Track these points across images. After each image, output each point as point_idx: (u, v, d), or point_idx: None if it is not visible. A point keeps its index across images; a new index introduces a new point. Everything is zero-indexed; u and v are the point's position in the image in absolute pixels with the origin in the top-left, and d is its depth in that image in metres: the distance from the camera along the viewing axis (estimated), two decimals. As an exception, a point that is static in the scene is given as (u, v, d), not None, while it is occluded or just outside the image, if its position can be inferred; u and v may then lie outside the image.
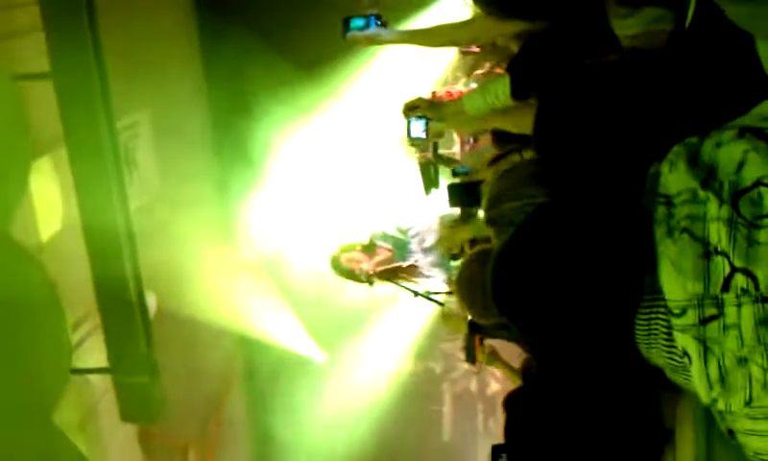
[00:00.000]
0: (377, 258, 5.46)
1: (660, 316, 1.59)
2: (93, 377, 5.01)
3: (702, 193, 1.49)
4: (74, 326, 4.76)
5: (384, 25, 3.30)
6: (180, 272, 6.81)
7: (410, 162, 5.67)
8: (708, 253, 1.46)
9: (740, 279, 1.43)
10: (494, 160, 3.64)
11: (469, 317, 4.43)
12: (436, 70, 6.49)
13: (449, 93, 4.69)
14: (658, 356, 1.66)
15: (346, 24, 3.31)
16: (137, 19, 6.01)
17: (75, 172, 4.13)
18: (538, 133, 2.14)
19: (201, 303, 7.19)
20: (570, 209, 1.71)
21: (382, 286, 5.49)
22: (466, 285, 3.14)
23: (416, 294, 5.32)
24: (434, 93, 4.96)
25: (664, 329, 1.60)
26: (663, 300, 1.54)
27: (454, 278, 3.55)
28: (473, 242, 4.41)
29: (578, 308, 1.62)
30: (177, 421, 6.74)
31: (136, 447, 6.73)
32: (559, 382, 2.44)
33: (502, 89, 2.83)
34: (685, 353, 1.51)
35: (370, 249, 5.51)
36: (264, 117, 7.24)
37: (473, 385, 7.94)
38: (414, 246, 5.54)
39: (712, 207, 1.46)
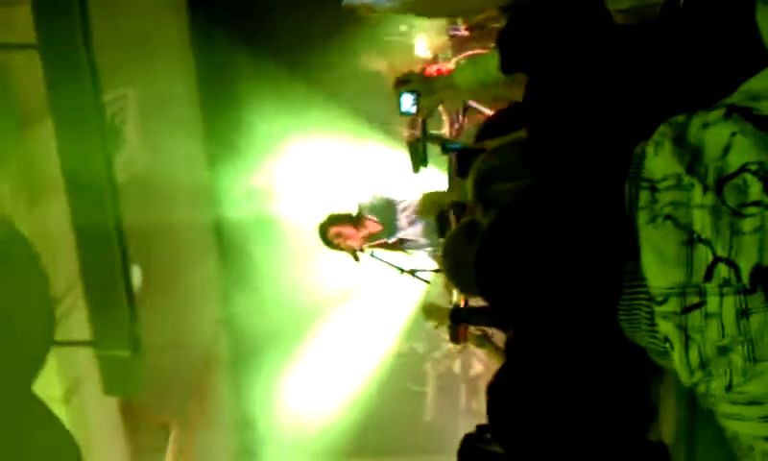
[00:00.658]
0: (364, 232, 5.45)
1: (643, 301, 1.60)
2: (77, 351, 4.98)
3: (686, 179, 1.48)
4: (58, 298, 4.73)
5: None
6: (166, 248, 6.79)
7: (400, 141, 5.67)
8: (691, 240, 1.46)
9: (723, 269, 1.43)
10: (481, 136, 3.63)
11: (451, 307, 4.47)
12: (425, 52, 6.47)
13: (439, 70, 4.68)
14: (641, 339, 1.66)
15: None
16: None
17: (60, 144, 4.10)
18: (528, 107, 2.14)
19: (185, 280, 7.18)
20: (555, 195, 1.71)
21: (368, 263, 5.48)
22: (452, 262, 3.13)
23: (402, 271, 5.32)
24: (424, 69, 4.95)
25: (646, 315, 1.60)
26: (645, 286, 1.55)
27: (440, 253, 3.54)
28: (460, 209, 4.39)
29: (560, 293, 1.62)
30: (160, 398, 6.74)
31: (119, 421, 6.72)
32: (542, 361, 2.44)
33: (492, 63, 2.82)
34: (667, 339, 1.52)
35: (358, 220, 5.49)
36: (253, 97, 7.21)
37: (456, 366, 7.95)
38: (401, 221, 5.53)
39: (697, 194, 1.46)
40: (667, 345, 1.52)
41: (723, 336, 1.42)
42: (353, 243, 5.35)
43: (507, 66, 2.74)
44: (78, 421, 5.47)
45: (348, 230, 5.41)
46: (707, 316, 1.44)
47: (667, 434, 2.33)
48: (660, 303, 1.51)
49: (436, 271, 5.12)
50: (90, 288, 4.32)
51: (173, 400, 7.34)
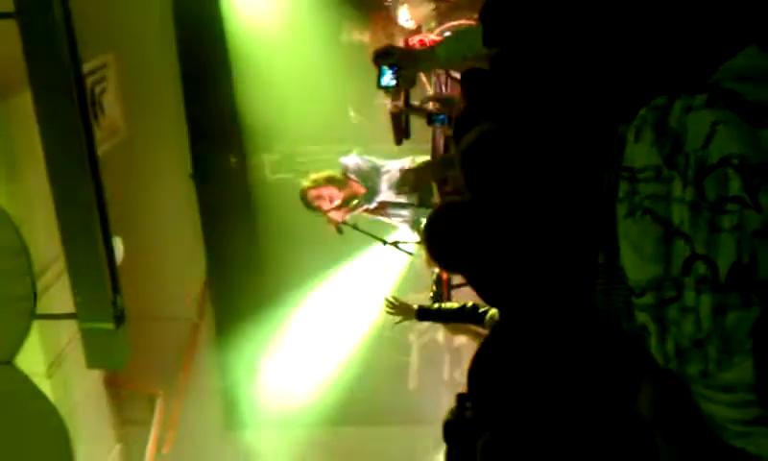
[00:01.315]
0: (347, 191, 5.35)
1: (621, 290, 1.61)
2: (60, 323, 4.97)
3: (666, 171, 1.48)
4: (40, 271, 4.71)
5: None
6: (147, 217, 6.76)
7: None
8: (669, 234, 1.47)
9: (701, 267, 1.43)
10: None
11: (417, 305, 4.45)
12: (408, 22, 6.41)
13: (422, 42, 4.63)
14: (620, 321, 1.67)
15: None
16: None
17: (40, 114, 4.06)
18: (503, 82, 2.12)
19: (168, 249, 7.16)
20: (532, 178, 1.70)
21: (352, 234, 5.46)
22: (433, 242, 3.13)
23: (385, 243, 5.30)
24: (407, 41, 4.90)
25: (623, 302, 1.61)
26: (623, 275, 1.55)
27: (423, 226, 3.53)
28: (443, 181, 4.36)
29: (535, 279, 1.63)
30: (144, 369, 6.74)
31: (103, 394, 6.73)
32: (523, 334, 2.45)
33: (475, 38, 2.80)
34: (644, 327, 1.53)
35: (341, 181, 5.43)
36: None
37: (440, 336, 7.98)
38: (383, 184, 5.47)
39: (677, 188, 1.46)
40: (644, 332, 1.54)
41: (699, 331, 1.43)
42: (336, 214, 5.30)
43: (490, 40, 2.72)
44: (62, 394, 5.48)
45: (330, 190, 5.34)
46: (683, 310, 1.45)
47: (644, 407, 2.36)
48: (639, 296, 1.52)
49: (418, 243, 5.11)
50: (72, 260, 4.31)
51: (159, 370, 7.35)
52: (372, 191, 5.47)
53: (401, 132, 4.71)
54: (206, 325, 8.02)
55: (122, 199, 5.10)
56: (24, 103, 4.20)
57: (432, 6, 5.93)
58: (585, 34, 1.96)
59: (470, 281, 1.79)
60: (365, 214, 5.52)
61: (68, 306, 4.39)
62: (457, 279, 4.63)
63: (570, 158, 1.71)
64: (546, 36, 2.00)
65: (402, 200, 5.35)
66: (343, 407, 7.87)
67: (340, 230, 5.40)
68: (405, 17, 6.20)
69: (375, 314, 7.18)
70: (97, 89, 6.13)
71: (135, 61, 6.59)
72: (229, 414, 8.30)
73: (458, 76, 4.66)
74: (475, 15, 3.94)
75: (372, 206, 5.46)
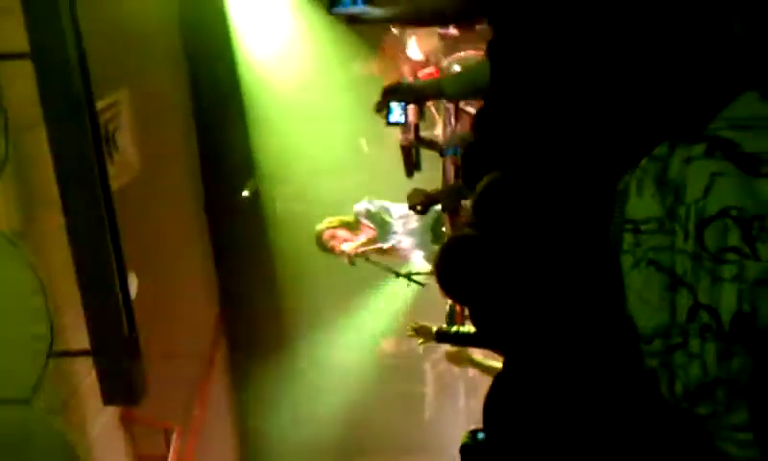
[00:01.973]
0: (360, 239, 5.48)
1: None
2: (76, 360, 4.99)
3: (668, 223, 1.51)
4: (56, 309, 4.73)
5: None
6: (161, 253, 6.79)
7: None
8: (674, 283, 1.50)
9: (704, 316, 1.46)
10: None
11: (435, 328, 4.61)
12: (416, 55, 6.45)
13: (431, 74, 4.68)
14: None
15: None
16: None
17: (54, 152, 4.10)
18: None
19: (181, 283, 7.18)
20: (542, 234, 1.72)
21: (364, 266, 5.49)
22: (444, 276, 3.13)
23: (397, 275, 5.33)
24: (416, 75, 4.96)
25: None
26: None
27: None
28: (454, 211, 4.43)
29: (547, 322, 1.63)
30: (160, 404, 6.74)
31: (120, 430, 6.71)
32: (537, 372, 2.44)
33: (482, 73, 2.82)
34: (654, 371, 1.55)
35: (353, 225, 5.55)
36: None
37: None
38: (398, 227, 5.54)
39: (679, 239, 1.49)
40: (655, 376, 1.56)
41: (706, 376, 1.45)
42: (348, 249, 5.39)
43: (497, 78, 2.72)
44: (79, 430, 5.48)
45: (342, 233, 5.49)
46: (690, 356, 1.48)
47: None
48: (647, 343, 1.54)
49: (430, 273, 5.13)
50: (88, 297, 4.34)
51: (174, 405, 7.34)
52: (384, 232, 5.57)
53: (412, 165, 4.76)
54: (220, 359, 8.02)
55: (135, 234, 5.12)
56: (39, 141, 4.25)
57: (439, 38, 5.97)
58: (588, 74, 1.98)
59: (473, 316, 1.80)
60: (377, 254, 5.60)
61: (84, 343, 4.41)
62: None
63: (577, 210, 1.74)
64: (552, 75, 2.02)
65: (414, 250, 5.47)
66: (359, 440, 7.85)
67: (352, 262, 5.45)
68: (414, 50, 6.24)
69: (390, 345, 7.18)
70: (110, 127, 6.18)
71: (148, 98, 6.65)
72: (245, 448, 8.28)
73: (469, 109, 4.71)
74: (482, 46, 3.98)
75: (386, 246, 5.55)
